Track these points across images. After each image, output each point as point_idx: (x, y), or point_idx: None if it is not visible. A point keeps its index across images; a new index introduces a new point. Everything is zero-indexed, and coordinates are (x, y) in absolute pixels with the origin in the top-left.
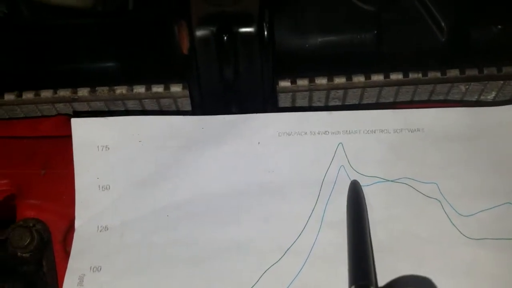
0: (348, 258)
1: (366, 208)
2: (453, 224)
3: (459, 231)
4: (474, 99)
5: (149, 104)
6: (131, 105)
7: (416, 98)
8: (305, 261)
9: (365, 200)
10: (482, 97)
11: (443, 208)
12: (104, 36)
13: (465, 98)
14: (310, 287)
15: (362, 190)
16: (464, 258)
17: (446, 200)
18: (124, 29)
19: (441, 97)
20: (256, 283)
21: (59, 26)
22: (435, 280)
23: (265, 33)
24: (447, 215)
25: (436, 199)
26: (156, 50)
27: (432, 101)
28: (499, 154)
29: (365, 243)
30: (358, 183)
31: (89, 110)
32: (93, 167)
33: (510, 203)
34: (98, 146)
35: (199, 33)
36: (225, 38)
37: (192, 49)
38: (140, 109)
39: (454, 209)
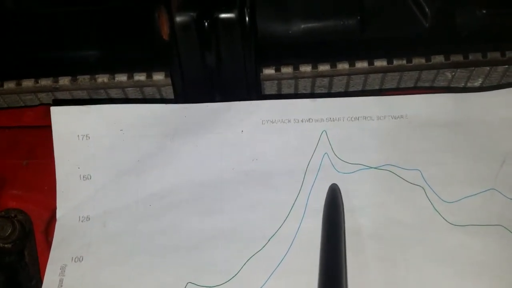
0: (319, 275)
1: (344, 219)
2: (437, 211)
3: (443, 217)
4: (460, 86)
5: (133, 93)
6: (114, 94)
7: (402, 85)
8: (289, 248)
9: (343, 208)
10: (468, 84)
11: (426, 195)
12: (84, 23)
13: (452, 85)
14: (293, 274)
15: (341, 197)
16: (448, 245)
17: (429, 186)
18: (104, 16)
19: (427, 84)
20: (240, 270)
21: (39, 15)
22: (419, 267)
23: (247, 18)
24: (431, 202)
25: (419, 186)
26: (137, 37)
27: (418, 88)
28: (484, 140)
29: (339, 262)
30: (337, 189)
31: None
32: (74, 157)
33: (494, 189)
34: (78, 135)
35: (179, 18)
36: (206, 24)
37: (172, 35)
38: (124, 98)
39: (437, 195)
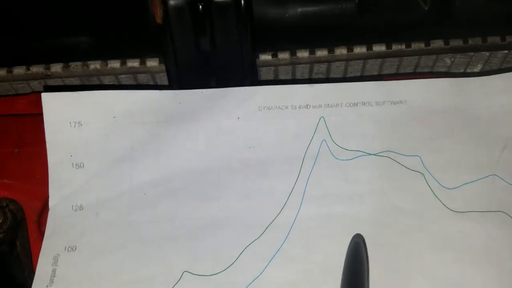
0: None
1: (368, 276)
2: (437, 197)
3: (443, 204)
4: (460, 72)
5: (126, 80)
6: (107, 81)
7: (401, 71)
8: (286, 236)
9: (368, 263)
10: (468, 70)
11: (426, 181)
12: (75, 8)
13: (451, 71)
14: (291, 261)
15: (366, 252)
16: (449, 232)
17: (429, 173)
18: (96, 0)
19: (426, 70)
20: (236, 259)
21: (30, 0)
22: (419, 254)
23: (242, 1)
24: (431, 188)
25: (419, 172)
26: (130, 22)
27: (417, 74)
28: (484, 126)
29: None
30: (362, 243)
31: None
32: (66, 144)
33: (495, 175)
34: (70, 122)
35: (173, 1)
36: (200, 7)
37: (166, 19)
38: (117, 84)
39: (438, 182)
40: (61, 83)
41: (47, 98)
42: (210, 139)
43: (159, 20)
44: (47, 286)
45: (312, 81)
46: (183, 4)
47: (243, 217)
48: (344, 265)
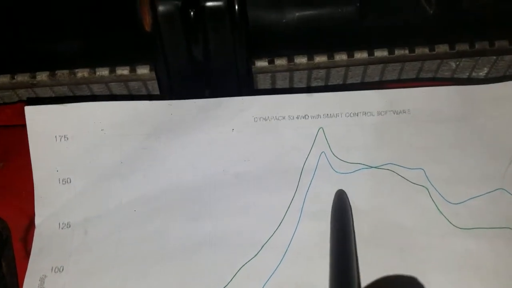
0: (330, 280)
1: (353, 223)
2: (441, 213)
3: (448, 220)
4: (465, 76)
5: (117, 87)
6: (97, 89)
7: (404, 77)
8: (283, 256)
9: (352, 212)
10: (473, 74)
11: (430, 196)
12: (62, 14)
13: (456, 75)
14: (288, 283)
15: (349, 202)
16: (454, 249)
17: (433, 187)
18: (83, 6)
19: (430, 75)
20: (230, 280)
21: (14, 6)
22: (422, 273)
23: (236, 6)
24: (435, 203)
25: (423, 186)
26: (119, 28)
27: (421, 79)
28: (491, 136)
29: (350, 269)
30: (344, 194)
31: (52, 95)
32: (52, 159)
33: (503, 189)
34: (56, 136)
35: (162, 7)
36: (192, 13)
37: (155, 26)
38: (108, 93)
39: (442, 196)
40: (49, 91)
41: (30, 111)
42: (203, 152)
43: (148, 27)
44: None
45: (310, 89)
46: (174, 11)
47: (238, 235)
48: (331, 217)
